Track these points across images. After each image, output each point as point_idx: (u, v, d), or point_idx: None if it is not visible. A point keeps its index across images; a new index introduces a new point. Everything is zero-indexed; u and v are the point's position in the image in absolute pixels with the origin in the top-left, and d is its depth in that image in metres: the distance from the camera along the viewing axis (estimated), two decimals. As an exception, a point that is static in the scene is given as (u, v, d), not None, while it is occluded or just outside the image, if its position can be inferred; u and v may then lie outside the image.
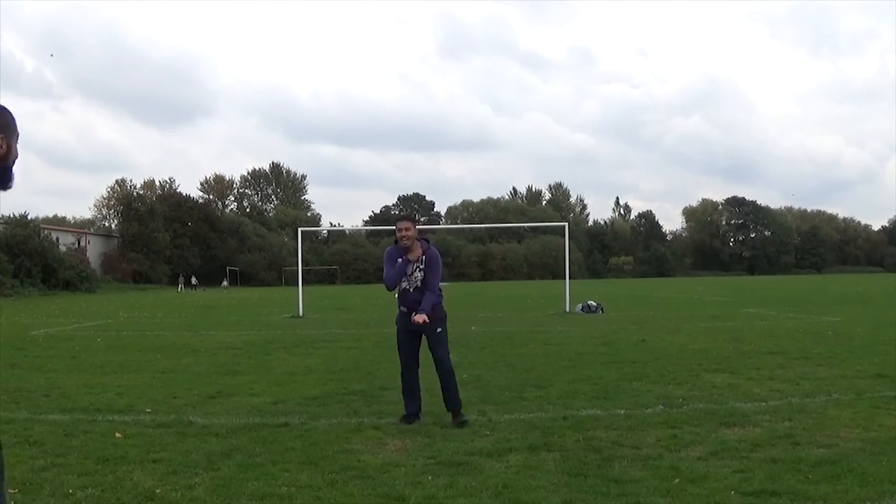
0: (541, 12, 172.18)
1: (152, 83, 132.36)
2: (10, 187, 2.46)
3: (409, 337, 6.46)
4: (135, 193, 75.94)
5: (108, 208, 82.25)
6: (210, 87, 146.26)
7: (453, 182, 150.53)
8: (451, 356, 6.47)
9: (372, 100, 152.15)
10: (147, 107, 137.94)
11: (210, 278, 75.26)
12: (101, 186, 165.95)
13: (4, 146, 2.41)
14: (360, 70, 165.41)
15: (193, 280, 61.28)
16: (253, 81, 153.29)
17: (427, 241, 6.33)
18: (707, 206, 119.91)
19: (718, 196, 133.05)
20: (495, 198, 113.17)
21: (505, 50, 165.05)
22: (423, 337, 6.44)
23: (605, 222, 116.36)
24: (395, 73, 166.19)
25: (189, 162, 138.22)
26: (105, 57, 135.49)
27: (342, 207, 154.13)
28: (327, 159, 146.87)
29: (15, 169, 2.46)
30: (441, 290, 6.41)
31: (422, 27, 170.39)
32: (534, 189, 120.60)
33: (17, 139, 2.49)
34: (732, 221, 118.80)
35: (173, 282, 64.45)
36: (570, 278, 23.75)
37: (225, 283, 66.24)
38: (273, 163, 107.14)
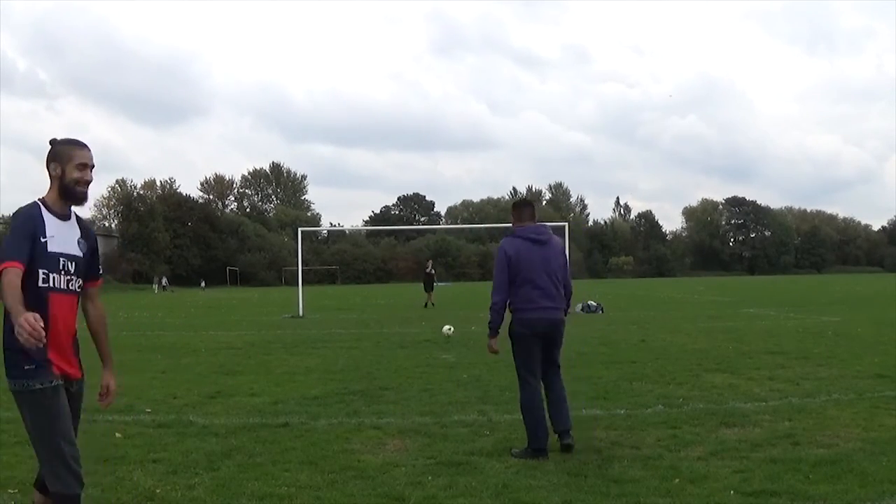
0: (533, 10, 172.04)
1: (146, 82, 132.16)
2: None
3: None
4: (135, 193, 75.91)
5: (109, 208, 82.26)
6: (204, 86, 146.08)
7: (451, 182, 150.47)
8: (518, 384, 5.40)
9: (366, 99, 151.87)
10: (141, 106, 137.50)
11: (210, 278, 75.24)
12: (97, 186, 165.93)
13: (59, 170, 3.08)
14: (353, 69, 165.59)
15: (164, 281, 60.42)
16: (246, 81, 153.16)
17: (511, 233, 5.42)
18: (707, 206, 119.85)
19: (717, 196, 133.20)
20: (495, 198, 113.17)
21: (498, 48, 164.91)
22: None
23: (605, 222, 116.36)
24: (388, 72, 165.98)
25: (186, 162, 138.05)
26: (97, 56, 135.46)
27: (341, 207, 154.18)
28: (324, 159, 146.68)
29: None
30: (496, 299, 5.24)
31: (413, 26, 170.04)
32: (534, 189, 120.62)
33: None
34: (732, 221, 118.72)
35: (170, 282, 63.96)
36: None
37: (202, 283, 65.16)
38: (273, 163, 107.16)
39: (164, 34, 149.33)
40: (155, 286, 57.48)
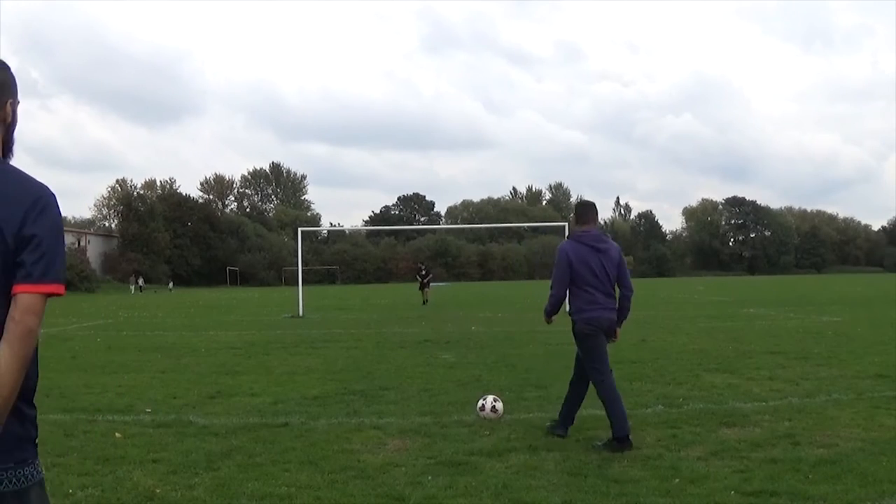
0: (524, 8, 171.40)
1: (137, 81, 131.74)
2: (10, 159, 2.08)
3: None
4: (135, 193, 75.91)
5: (109, 208, 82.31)
6: (195, 84, 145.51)
7: (448, 181, 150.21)
8: (593, 381, 5.61)
9: (359, 97, 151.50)
10: (133, 105, 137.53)
11: (210, 278, 75.26)
12: (93, 186, 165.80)
13: (10, 111, 2.08)
14: (344, 67, 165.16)
15: (140, 281, 59.85)
16: (237, 79, 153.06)
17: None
18: (707, 206, 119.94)
19: (716, 195, 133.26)
20: (495, 198, 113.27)
21: (490, 46, 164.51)
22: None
23: (605, 222, 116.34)
24: (379, 70, 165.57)
25: (180, 161, 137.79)
26: (88, 54, 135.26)
27: (340, 207, 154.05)
28: (319, 158, 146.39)
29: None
30: (557, 293, 5.63)
31: (404, 23, 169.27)
32: (534, 189, 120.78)
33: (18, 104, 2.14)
34: (732, 221, 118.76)
35: (157, 282, 62.89)
36: (570, 278, 23.72)
37: (171, 283, 64.19)
38: (273, 163, 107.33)
39: (152, 32, 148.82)
40: (132, 287, 56.89)
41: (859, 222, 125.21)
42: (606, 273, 5.52)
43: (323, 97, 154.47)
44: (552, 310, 5.76)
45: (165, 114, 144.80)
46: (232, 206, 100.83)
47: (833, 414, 6.24)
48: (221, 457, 5.11)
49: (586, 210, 5.74)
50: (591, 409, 6.69)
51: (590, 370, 5.56)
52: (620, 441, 5.25)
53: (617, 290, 5.65)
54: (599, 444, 5.36)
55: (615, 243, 5.69)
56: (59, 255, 1.85)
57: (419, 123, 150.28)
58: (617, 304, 5.64)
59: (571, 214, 6.02)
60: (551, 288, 5.62)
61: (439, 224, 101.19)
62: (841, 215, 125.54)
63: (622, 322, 5.71)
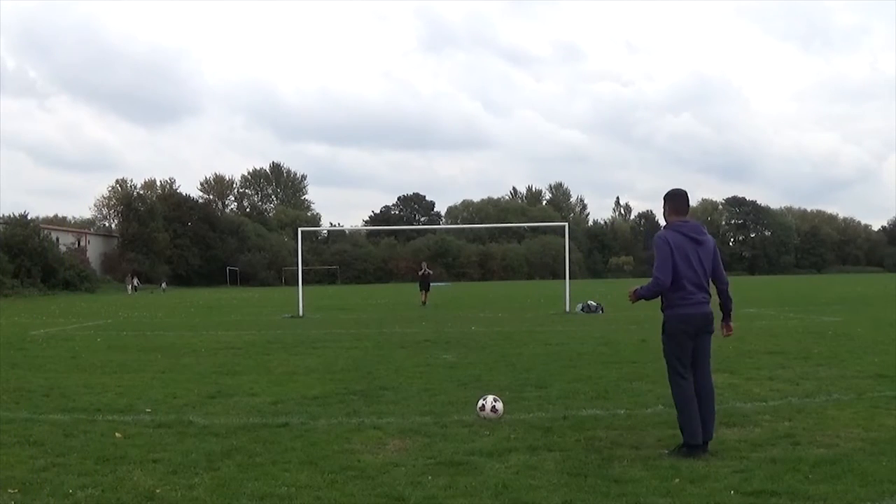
0: (522, 7, 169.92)
1: (135, 81, 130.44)
2: None
3: None
4: (135, 193, 75.86)
5: (109, 208, 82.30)
6: (193, 84, 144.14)
7: (447, 181, 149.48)
8: (671, 381, 5.30)
9: (357, 97, 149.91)
10: (132, 105, 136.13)
11: (210, 278, 75.27)
12: (93, 186, 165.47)
13: None
14: (342, 66, 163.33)
15: (136, 281, 59.17)
16: (235, 79, 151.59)
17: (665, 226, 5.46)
18: (707, 206, 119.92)
19: (715, 195, 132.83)
20: (495, 198, 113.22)
21: (489, 46, 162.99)
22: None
23: (605, 222, 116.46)
24: (377, 70, 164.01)
25: (180, 161, 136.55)
26: (85, 54, 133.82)
27: (340, 207, 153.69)
28: (318, 158, 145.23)
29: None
30: (662, 277, 5.18)
31: (402, 23, 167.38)
32: (534, 189, 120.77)
33: None
34: (732, 221, 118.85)
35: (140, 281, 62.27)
36: (570, 278, 23.74)
37: (164, 284, 63.61)
38: (273, 163, 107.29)
39: (150, 32, 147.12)
40: (128, 287, 56.55)
41: (859, 222, 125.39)
42: (703, 266, 5.27)
43: (322, 97, 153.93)
44: (649, 295, 5.30)
45: (164, 114, 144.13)
46: (232, 206, 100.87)
47: (833, 414, 6.24)
48: (221, 457, 5.11)
49: (683, 200, 5.43)
50: (592, 409, 6.71)
51: (670, 369, 5.27)
52: (691, 448, 5.00)
53: (712, 285, 5.38)
54: (667, 451, 5.11)
55: (710, 236, 5.40)
56: None
57: (418, 123, 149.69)
58: (719, 300, 5.41)
59: (663, 204, 5.48)
60: (655, 272, 5.21)
61: (439, 224, 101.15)
62: (841, 215, 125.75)
63: (731, 314, 5.50)
